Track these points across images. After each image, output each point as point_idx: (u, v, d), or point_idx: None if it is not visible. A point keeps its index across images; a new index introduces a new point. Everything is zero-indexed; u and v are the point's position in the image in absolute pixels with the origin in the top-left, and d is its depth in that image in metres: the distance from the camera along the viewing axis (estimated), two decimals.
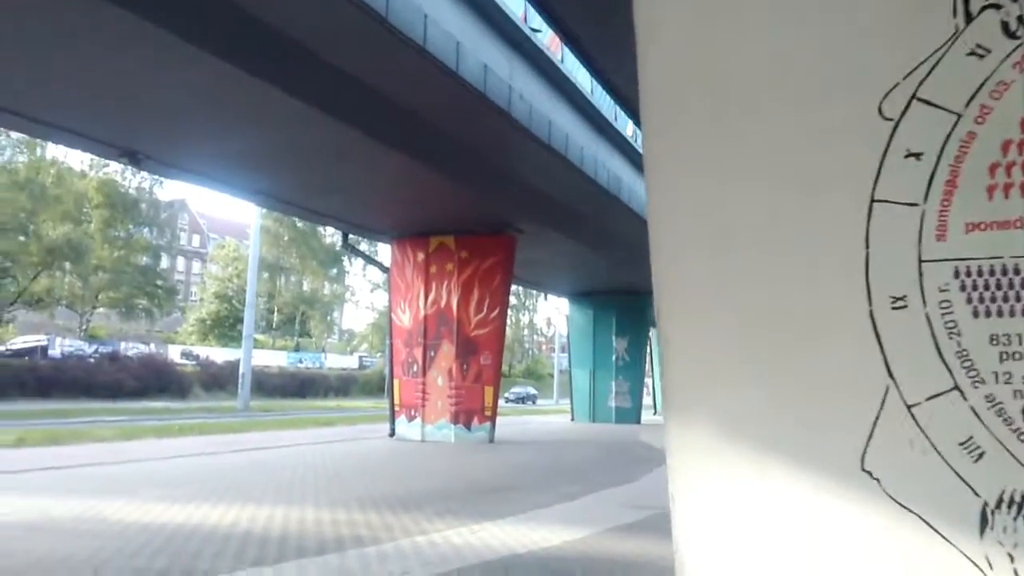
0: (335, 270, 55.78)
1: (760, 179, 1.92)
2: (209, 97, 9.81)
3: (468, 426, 16.72)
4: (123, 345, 39.38)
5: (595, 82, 14.02)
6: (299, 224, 49.55)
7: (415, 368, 17.10)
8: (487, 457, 14.21)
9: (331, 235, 52.07)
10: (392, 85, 9.75)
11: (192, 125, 10.96)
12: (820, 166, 1.84)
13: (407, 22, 8.82)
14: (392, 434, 17.40)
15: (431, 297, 17.02)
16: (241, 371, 29.97)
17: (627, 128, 15.78)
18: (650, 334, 28.59)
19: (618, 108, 15.11)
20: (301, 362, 50.22)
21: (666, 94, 2.03)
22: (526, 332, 77.03)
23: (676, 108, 2.02)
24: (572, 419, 27.92)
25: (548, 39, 12.22)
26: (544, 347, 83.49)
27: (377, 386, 45.09)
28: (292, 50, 8.51)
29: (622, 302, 27.22)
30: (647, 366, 30.91)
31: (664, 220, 2.32)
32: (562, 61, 12.71)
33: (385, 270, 18.75)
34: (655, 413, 35.58)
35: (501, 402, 21.33)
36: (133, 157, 12.12)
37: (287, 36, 8.28)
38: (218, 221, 72.80)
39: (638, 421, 27.46)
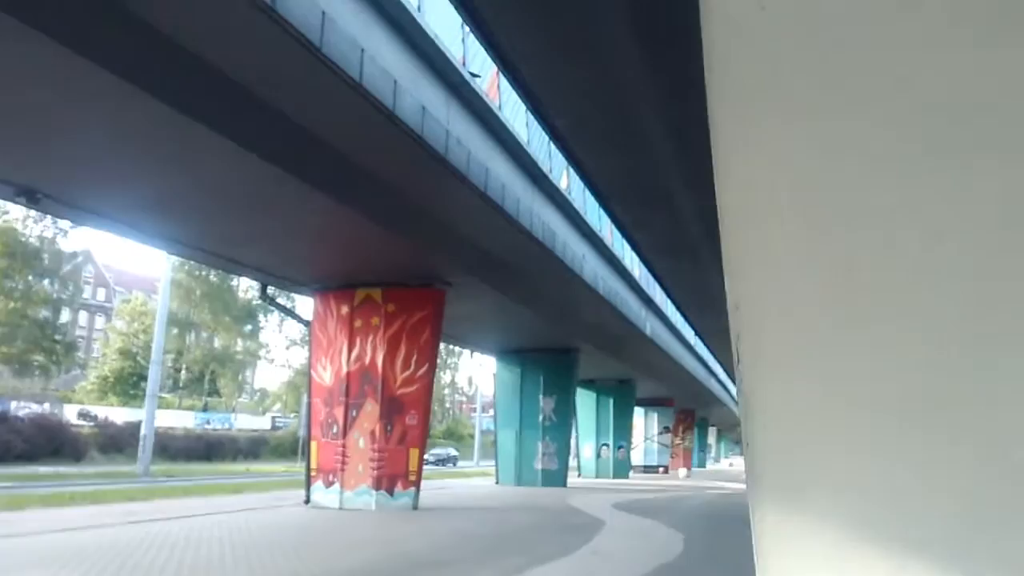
0: (249, 326, 53.57)
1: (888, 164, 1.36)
2: (122, 133, 8.93)
3: (391, 492, 15.65)
4: (14, 404, 36.34)
5: (530, 133, 13.72)
6: (213, 278, 47.55)
7: (335, 429, 16.01)
8: (414, 526, 13.22)
9: (246, 290, 50.18)
10: (324, 123, 9.08)
11: (101, 163, 9.99)
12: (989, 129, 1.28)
13: (342, 55, 8.21)
14: (307, 501, 16.15)
15: (355, 353, 16.07)
16: (143, 432, 27.85)
17: (562, 180, 15.46)
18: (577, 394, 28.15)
19: (552, 160, 14.81)
20: (209, 423, 47.57)
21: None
22: (447, 391, 75.61)
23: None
24: (497, 482, 26.93)
25: (487, 85, 11.82)
26: (465, 407, 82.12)
27: (290, 448, 42.96)
28: (218, 84, 7.77)
29: (550, 360, 26.69)
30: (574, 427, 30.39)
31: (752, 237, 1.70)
32: (500, 108, 12.31)
33: (306, 324, 17.71)
34: (579, 476, 34.93)
35: None
36: (31, 196, 10.98)
37: (212, 66, 7.54)
38: (125, 274, 69.47)
39: (564, 484, 26.69)
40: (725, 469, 69.81)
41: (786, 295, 1.51)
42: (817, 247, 1.46)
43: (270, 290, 19.19)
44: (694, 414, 57.34)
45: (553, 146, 14.85)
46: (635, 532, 13.33)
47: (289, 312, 19.39)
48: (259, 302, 47.08)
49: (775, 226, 1.55)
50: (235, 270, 16.28)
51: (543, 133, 14.43)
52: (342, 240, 13.54)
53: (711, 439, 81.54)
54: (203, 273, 45.99)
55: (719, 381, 46.47)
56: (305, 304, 18.59)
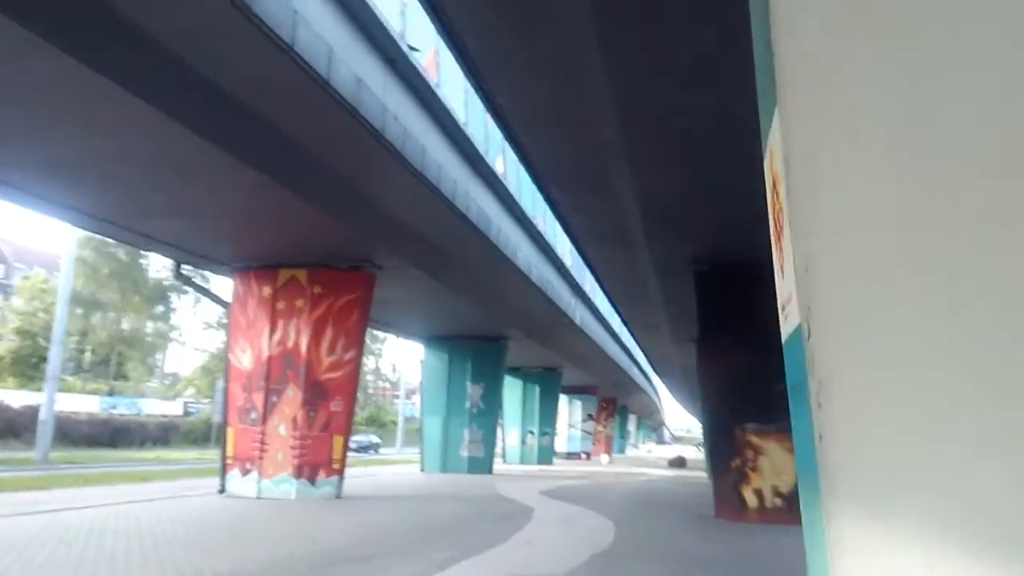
0: (161, 307, 51.39)
1: None
2: (27, 90, 8.13)
3: (313, 480, 15.09)
4: None
5: (468, 114, 13.33)
6: (122, 256, 45.37)
7: (254, 415, 15.31)
8: (337, 517, 12.73)
9: (158, 270, 48.09)
10: (252, 89, 8.48)
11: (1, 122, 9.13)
12: None
13: (274, 16, 7.65)
14: (222, 490, 15.42)
15: (277, 336, 15.39)
16: (42, 417, 26.26)
17: (497, 164, 15.12)
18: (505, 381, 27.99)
19: (489, 143, 14.46)
20: (115, 408, 45.45)
21: None
22: (371, 377, 74.48)
23: None
24: (422, 469, 26.53)
25: (425, 60, 11.36)
26: (388, 393, 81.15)
27: (203, 435, 41.49)
28: (136, 39, 7.11)
29: (479, 347, 26.41)
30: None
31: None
32: (438, 87, 11.88)
33: (224, 305, 16.89)
34: (504, 462, 34.84)
35: None
36: None
37: (123, 17, 6.88)
38: (26, 250, 65.69)
39: (490, 471, 26.50)
40: (644, 455, 71.06)
41: (873, 258, 1.24)
42: (915, 205, 1.19)
43: (186, 269, 18.28)
44: (616, 402, 58.17)
45: (490, 129, 14.55)
46: (565, 520, 13.18)
47: (206, 292, 18.44)
48: (171, 282, 45.23)
49: (859, 180, 1.27)
50: (148, 246, 15.30)
51: (481, 114, 14.13)
52: (268, 217, 12.88)
53: (631, 426, 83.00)
54: (111, 250, 43.84)
55: (641, 370, 47.16)
56: (223, 285, 17.71)
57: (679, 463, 42.50)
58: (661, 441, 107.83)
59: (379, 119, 9.88)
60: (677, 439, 68.68)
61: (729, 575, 8.26)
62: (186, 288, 44.88)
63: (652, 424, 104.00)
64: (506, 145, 15.54)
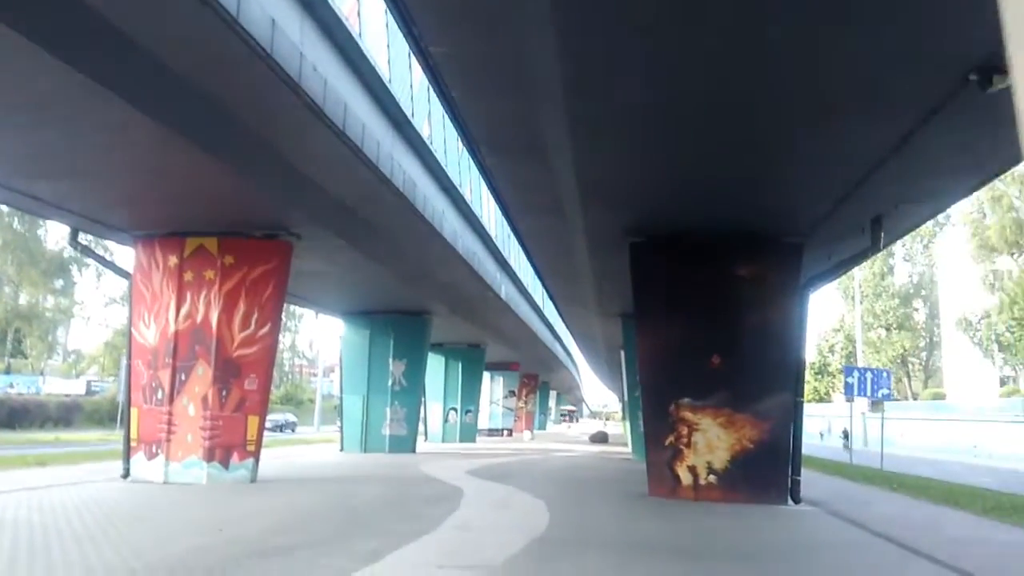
0: (61, 281, 48.38)
1: None
2: None
3: (225, 464, 14.09)
4: None
5: (392, 73, 12.44)
6: (16, 226, 42.40)
7: (160, 394, 14.17)
8: (252, 502, 11.85)
9: (57, 241, 45.16)
10: (148, 27, 7.44)
11: None
12: None
13: None
14: (126, 475, 14.26)
15: (184, 309, 14.22)
16: None
17: (424, 127, 14.27)
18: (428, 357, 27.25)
19: (415, 105, 13.60)
20: (12, 387, 42.68)
21: None
22: (287, 354, 72.43)
23: None
24: (341, 449, 25.60)
25: (346, 8, 10.42)
26: (305, 371, 79.17)
27: (108, 415, 39.28)
28: None
29: (402, 323, 25.55)
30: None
31: None
32: (360, 37, 10.94)
33: (126, 276, 15.56)
34: (426, 440, 34.17)
35: None
36: None
37: None
38: None
39: (413, 450, 25.80)
40: (564, 431, 71.59)
41: None
42: None
43: (85, 239, 16.82)
44: (537, 378, 58.26)
45: (416, 90, 13.69)
46: (497, 502, 12.64)
47: (104, 261, 17.01)
48: (72, 255, 42.57)
49: None
50: (39, 211, 13.90)
51: (406, 73, 13.26)
52: (171, 179, 11.75)
53: (552, 402, 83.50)
54: (6, 220, 40.88)
55: (563, 346, 47.13)
56: (129, 257, 16.30)
57: (601, 438, 42.73)
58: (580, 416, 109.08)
59: (295, 67, 8.92)
60: (595, 415, 69.48)
61: (674, 564, 7.83)
62: (87, 260, 42.39)
63: (571, 400, 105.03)
64: (432, 108, 14.75)
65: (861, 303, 56.88)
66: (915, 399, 57.75)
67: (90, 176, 11.55)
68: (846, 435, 42.99)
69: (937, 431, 39.44)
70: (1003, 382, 52.31)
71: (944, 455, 33.70)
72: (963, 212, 50.44)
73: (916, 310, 66.81)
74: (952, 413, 42.58)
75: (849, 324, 60.32)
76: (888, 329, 63.19)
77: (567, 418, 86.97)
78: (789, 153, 9.60)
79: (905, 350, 63.09)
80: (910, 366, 64.70)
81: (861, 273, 54.43)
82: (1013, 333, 46.20)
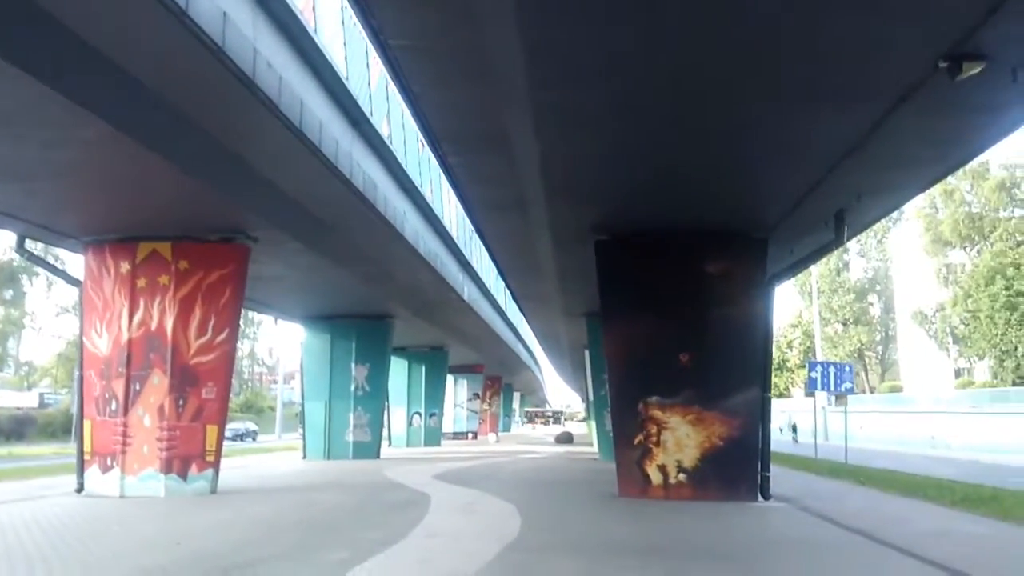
0: (10, 291, 46.82)
1: None
2: None
3: (184, 475, 13.61)
4: None
5: (350, 70, 12.11)
6: None
7: (114, 405, 13.62)
8: (212, 515, 11.42)
9: (5, 251, 43.69)
10: (90, 18, 7.07)
11: None
12: None
13: None
14: (80, 490, 13.70)
15: (138, 317, 13.69)
16: None
17: (383, 126, 13.95)
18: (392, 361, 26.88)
19: (373, 104, 13.28)
20: None
21: None
22: (246, 362, 71.14)
23: None
24: (304, 457, 25.08)
25: (301, 2, 10.09)
26: (265, 378, 77.90)
27: (62, 428, 38.07)
28: None
29: (364, 326, 25.14)
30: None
31: None
32: (315, 32, 10.61)
33: (76, 283, 14.97)
34: (390, 446, 33.73)
35: None
36: None
37: None
38: None
39: (378, 456, 25.39)
40: (529, 432, 71.36)
41: None
42: None
43: (34, 247, 16.18)
44: (501, 380, 58.09)
45: (375, 88, 13.38)
46: (466, 507, 12.37)
47: (53, 268, 16.38)
48: (20, 263, 41.24)
49: None
50: None
51: (363, 71, 12.94)
52: (120, 181, 11.30)
53: (515, 404, 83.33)
54: None
55: (526, 347, 47.01)
56: (78, 263, 15.70)
57: (566, 439, 42.66)
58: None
59: (249, 63, 8.59)
60: (557, 415, 69.66)
61: (652, 566, 7.66)
62: (37, 269, 41.12)
63: (535, 401, 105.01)
64: (391, 107, 14.44)
65: (818, 299, 57.75)
66: (872, 392, 58.83)
67: (35, 179, 11.03)
68: (794, 428, 43.57)
69: (895, 423, 40.13)
70: (958, 374, 53.52)
71: (902, 447, 34.27)
72: (916, 207, 51.52)
73: (871, 304, 68.10)
74: (909, 405, 43.38)
75: (807, 320, 61.18)
76: (845, 324, 64.30)
77: (545, 420, 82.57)
78: (757, 143, 9.51)
79: (862, 344, 64.26)
80: (867, 360, 65.88)
81: (817, 269, 55.24)
82: (967, 325, 47.26)
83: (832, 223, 12.13)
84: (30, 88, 7.84)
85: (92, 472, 13.69)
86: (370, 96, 13.18)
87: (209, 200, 12.34)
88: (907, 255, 58.70)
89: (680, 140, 9.53)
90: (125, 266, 13.79)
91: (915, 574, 7.25)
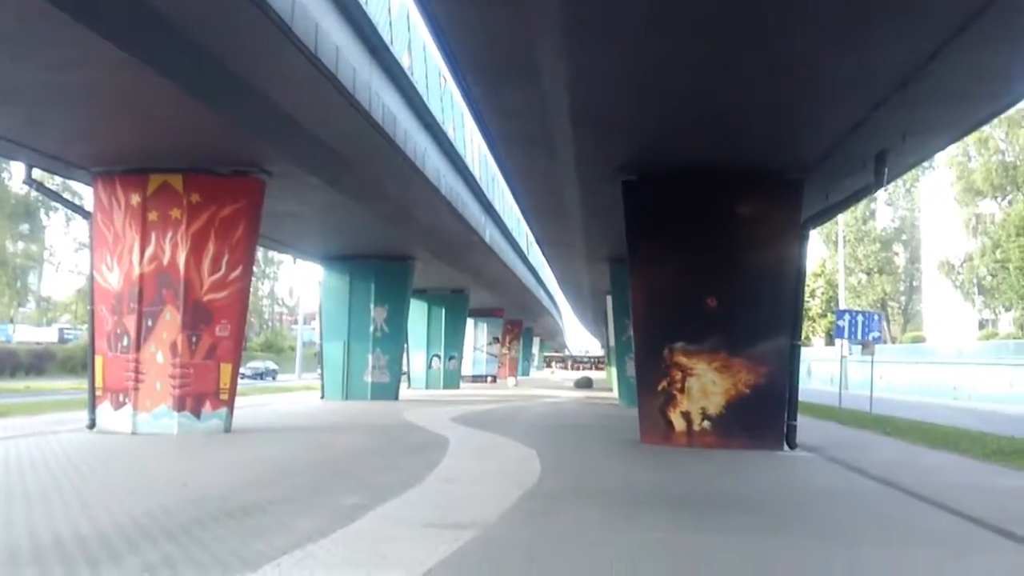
0: (27, 225, 46.87)
1: None
2: None
3: (197, 413, 13.44)
4: None
5: None
6: None
7: (126, 341, 13.41)
8: (224, 454, 11.24)
9: (23, 185, 43.53)
10: None
11: None
12: None
13: None
14: (92, 426, 13.59)
15: (149, 251, 13.37)
16: None
17: (404, 57, 13.30)
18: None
19: (394, 31, 12.61)
20: None
21: None
22: (266, 301, 71.42)
23: None
24: (322, 397, 25.04)
25: None
26: (285, 319, 78.30)
27: (81, 363, 38.11)
28: None
29: (383, 267, 24.79)
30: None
31: None
32: None
33: (86, 216, 14.65)
34: (409, 387, 33.74)
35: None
36: None
37: None
38: None
39: (396, 397, 25.32)
40: (548, 377, 71.56)
41: None
42: None
43: (49, 178, 15.83)
44: (521, 324, 57.94)
45: (395, 16, 12.68)
46: (484, 451, 12.12)
47: (60, 199, 16.05)
48: (38, 197, 41.10)
49: None
50: None
51: None
52: (129, 108, 10.83)
53: (535, 348, 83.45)
54: None
55: (547, 291, 46.61)
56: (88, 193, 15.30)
57: (586, 384, 42.54)
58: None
59: None
60: (577, 360, 69.84)
61: (681, 516, 7.32)
62: (55, 204, 40.98)
63: (554, 346, 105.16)
64: (412, 38, 13.76)
65: (844, 247, 56.76)
66: (894, 342, 58.13)
67: (39, 104, 10.57)
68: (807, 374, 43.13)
69: (917, 374, 39.62)
70: (981, 325, 52.63)
71: (924, 397, 33.83)
72: (948, 155, 49.95)
73: (896, 254, 66.86)
74: (932, 356, 42.78)
75: (830, 269, 60.18)
76: (869, 273, 63.26)
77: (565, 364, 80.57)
78: (803, 76, 8.84)
79: (886, 294, 63.28)
80: (889, 310, 64.95)
81: (843, 217, 54.08)
82: (995, 276, 46.25)
83: (872, 165, 11.49)
84: (27, 4, 7.34)
85: (104, 408, 13.56)
86: (390, 23, 12.50)
87: (222, 131, 11.85)
88: (936, 204, 57.28)
89: (722, 68, 8.87)
90: (136, 198, 13.42)
91: (952, 528, 6.87)
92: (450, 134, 16.83)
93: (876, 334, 23.13)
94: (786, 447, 12.45)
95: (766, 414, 12.51)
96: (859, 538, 6.35)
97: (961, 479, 9.81)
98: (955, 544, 6.31)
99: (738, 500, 8.23)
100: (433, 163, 16.27)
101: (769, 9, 7.39)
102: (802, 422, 13.42)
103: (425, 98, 14.56)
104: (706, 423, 12.59)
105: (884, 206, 66.06)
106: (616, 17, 7.74)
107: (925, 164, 48.89)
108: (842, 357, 35.98)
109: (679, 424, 12.68)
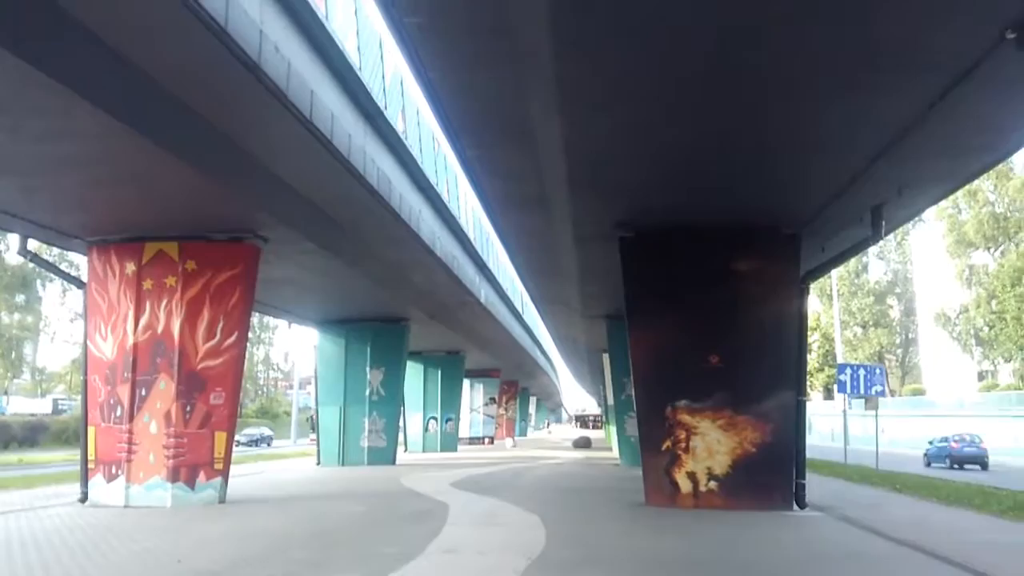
0: (23, 296, 46.69)
1: None
2: None
3: (192, 484, 13.09)
4: None
5: (363, 60, 11.54)
6: None
7: (119, 411, 13.13)
8: (218, 527, 10.88)
9: (19, 256, 43.52)
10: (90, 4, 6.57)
11: None
12: None
13: None
14: (84, 499, 13.20)
15: (144, 320, 13.21)
16: None
17: (398, 121, 13.40)
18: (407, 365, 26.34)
19: (388, 98, 12.72)
20: None
21: None
22: (261, 367, 70.83)
23: None
24: (318, 463, 24.55)
25: None
26: (281, 384, 77.60)
27: (75, 435, 37.59)
28: None
29: (379, 330, 24.60)
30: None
31: None
32: (326, 19, 10.07)
33: (80, 285, 14.52)
34: (406, 451, 33.19)
35: None
36: None
37: None
38: None
39: (393, 462, 24.83)
40: (546, 437, 70.76)
41: None
42: None
43: (48, 252, 15.75)
44: (517, 384, 57.43)
45: (389, 83, 12.80)
46: (487, 518, 11.78)
47: (55, 269, 15.95)
48: (35, 268, 41.05)
49: None
50: None
51: (377, 61, 12.37)
52: (123, 177, 10.79)
53: (531, 408, 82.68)
54: None
55: (543, 351, 46.37)
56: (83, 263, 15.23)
57: (584, 443, 41.95)
58: (559, 421, 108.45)
59: (255, 47, 8.04)
60: (577, 419, 69.45)
61: None
62: (50, 275, 40.92)
63: (551, 405, 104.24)
64: (406, 104, 13.89)
65: (837, 301, 56.83)
66: (893, 395, 57.75)
67: (33, 174, 10.56)
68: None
69: (918, 426, 39.24)
70: (981, 376, 52.36)
71: None
72: (938, 208, 50.42)
73: (891, 307, 66.99)
74: (933, 409, 42.46)
75: (825, 323, 60.16)
76: (864, 327, 63.25)
77: (547, 422, 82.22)
78: (798, 131, 8.89)
79: (882, 347, 63.18)
80: (887, 363, 64.72)
81: (837, 271, 54.27)
82: (992, 327, 46.22)
83: (869, 218, 11.49)
84: (18, 73, 7.34)
85: (96, 481, 13.19)
86: (384, 90, 12.61)
87: (217, 197, 11.83)
88: (928, 257, 57.63)
89: (719, 125, 8.91)
90: (131, 267, 13.32)
91: None
92: (444, 196, 16.88)
93: (879, 388, 22.91)
94: (796, 507, 12.14)
95: (774, 473, 12.24)
96: None
97: (982, 538, 9.54)
98: None
99: (753, 567, 7.93)
100: (428, 225, 16.28)
101: (765, 66, 7.44)
102: (809, 480, 13.14)
103: (419, 161, 14.63)
104: (712, 483, 12.31)
105: (876, 259, 66.49)
106: (609, 79, 7.81)
107: (916, 217, 49.31)
108: (843, 411, 35.65)
109: (685, 485, 12.38)
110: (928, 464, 24.66)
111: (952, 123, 8.38)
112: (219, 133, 9.39)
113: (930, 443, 26.42)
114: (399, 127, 13.54)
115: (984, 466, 21.24)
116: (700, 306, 12.56)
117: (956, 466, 23.25)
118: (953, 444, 24.36)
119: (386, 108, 12.68)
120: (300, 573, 7.32)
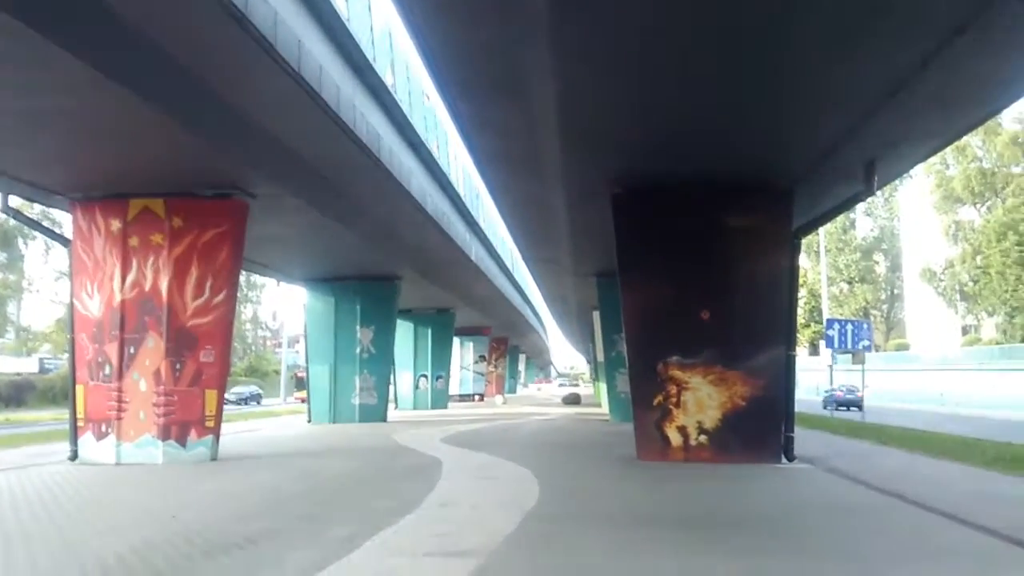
0: (5, 254, 46.16)
1: None
2: None
3: (183, 442, 13.09)
4: None
5: (351, 9, 11.25)
6: None
7: (108, 369, 13.06)
8: (211, 483, 10.89)
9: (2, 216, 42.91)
10: None
11: None
12: None
13: None
14: (74, 457, 13.18)
15: (131, 278, 13.06)
16: None
17: (387, 75, 13.14)
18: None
19: (376, 50, 12.45)
20: None
21: None
22: (249, 326, 70.72)
23: None
24: (309, 420, 24.64)
25: None
26: (269, 343, 77.59)
27: (63, 393, 37.61)
28: None
29: (369, 288, 24.52)
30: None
31: None
32: None
33: (64, 242, 14.31)
34: (396, 408, 33.36)
35: None
36: None
37: None
38: None
39: (384, 419, 24.95)
40: (535, 394, 71.35)
41: None
42: None
43: (23, 205, 15.49)
44: (507, 342, 57.70)
45: (378, 36, 12.52)
46: (479, 472, 11.85)
47: (39, 226, 15.68)
48: (17, 225, 40.56)
49: None
50: None
51: (365, 16, 12.07)
52: (104, 131, 10.58)
53: (521, 366, 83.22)
54: None
55: (533, 309, 46.47)
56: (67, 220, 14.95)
57: (574, 400, 42.30)
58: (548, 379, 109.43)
59: None
60: (563, 376, 70.06)
61: (688, 538, 7.12)
62: (34, 233, 40.43)
63: (540, 363, 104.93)
64: (395, 58, 13.61)
65: (825, 257, 57.08)
66: (878, 351, 58.39)
67: (14, 128, 10.31)
68: None
69: (902, 381, 39.76)
70: (964, 331, 52.96)
71: (912, 404, 33.94)
72: (926, 164, 50.41)
73: (877, 263, 67.34)
74: (917, 363, 42.99)
75: (812, 279, 60.47)
76: (850, 283, 63.63)
77: (538, 380, 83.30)
78: (800, 84, 8.75)
79: (867, 303, 63.65)
80: (872, 318, 65.31)
81: (824, 227, 54.40)
82: (977, 282, 46.62)
83: (862, 173, 11.43)
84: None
85: (86, 439, 13.17)
86: (372, 41, 12.34)
87: (203, 153, 11.61)
88: (915, 212, 57.80)
89: (715, 80, 8.77)
90: (116, 224, 13.13)
91: (969, 542, 6.68)
92: (434, 152, 16.68)
93: (866, 343, 23.13)
94: (784, 459, 12.28)
95: (763, 426, 12.35)
96: (876, 555, 6.16)
97: (967, 488, 9.67)
98: (979, 560, 6.08)
99: (743, 519, 8.02)
100: (418, 181, 16.10)
101: (761, 20, 7.29)
102: (796, 433, 13.27)
103: (409, 116, 14.41)
104: (703, 437, 12.41)
105: (863, 216, 66.60)
106: (605, 32, 7.63)
107: (907, 173, 49.32)
108: (829, 366, 36.05)
109: (675, 439, 12.48)
110: (825, 407, 30.33)
111: (946, 79, 8.28)
112: (204, 85, 9.16)
113: (826, 392, 33.06)
114: (388, 81, 13.29)
115: (860, 407, 26.19)
116: (692, 261, 12.53)
117: (842, 408, 29.78)
118: (838, 393, 31.54)
119: (375, 60, 12.43)
120: (294, 528, 7.34)
